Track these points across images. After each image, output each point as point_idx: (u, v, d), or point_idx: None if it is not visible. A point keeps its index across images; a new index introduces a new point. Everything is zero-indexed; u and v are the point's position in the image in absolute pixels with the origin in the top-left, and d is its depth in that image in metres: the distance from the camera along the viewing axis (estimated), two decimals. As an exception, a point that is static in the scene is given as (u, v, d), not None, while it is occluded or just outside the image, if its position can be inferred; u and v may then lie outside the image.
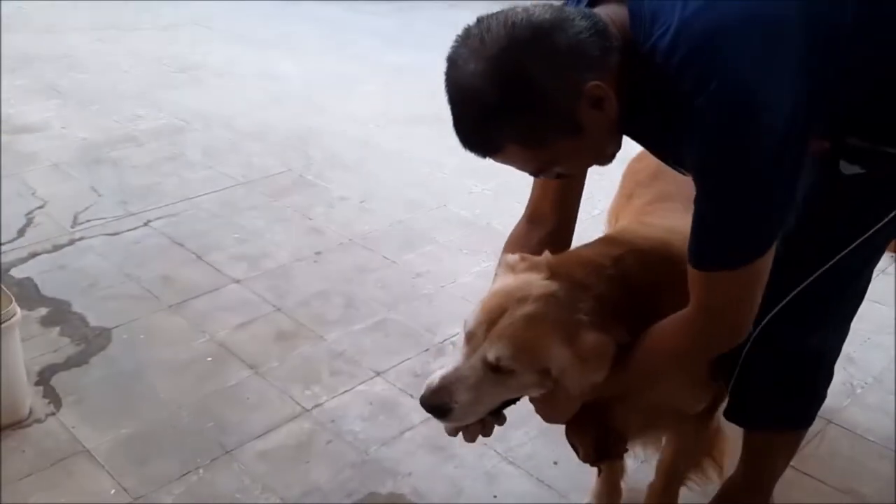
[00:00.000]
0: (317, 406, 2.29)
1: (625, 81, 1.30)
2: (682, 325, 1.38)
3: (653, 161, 1.96)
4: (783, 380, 1.63)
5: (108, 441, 2.15)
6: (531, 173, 1.46)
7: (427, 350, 2.54)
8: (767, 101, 1.19)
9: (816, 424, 2.21)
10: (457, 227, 3.33)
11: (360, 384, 2.38)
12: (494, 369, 1.40)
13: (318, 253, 3.11)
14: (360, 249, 3.16)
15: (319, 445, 2.15)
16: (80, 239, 3.16)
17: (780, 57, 1.21)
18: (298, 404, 2.30)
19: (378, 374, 2.43)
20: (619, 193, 2.16)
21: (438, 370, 1.45)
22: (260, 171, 3.81)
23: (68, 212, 3.36)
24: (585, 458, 1.58)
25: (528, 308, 1.41)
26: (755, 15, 1.22)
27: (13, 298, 2.13)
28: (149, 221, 3.30)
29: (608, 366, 1.41)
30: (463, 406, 1.42)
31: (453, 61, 1.29)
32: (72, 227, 3.24)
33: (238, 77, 5.22)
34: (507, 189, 3.67)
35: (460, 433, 1.52)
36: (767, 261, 1.29)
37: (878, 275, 1.60)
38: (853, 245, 1.43)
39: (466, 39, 1.29)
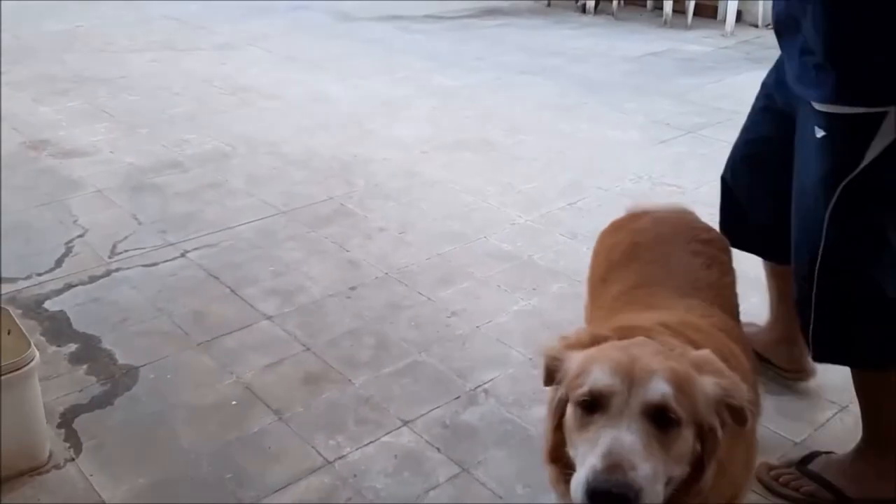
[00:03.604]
0: (339, 458, 2.20)
1: None
2: None
3: (625, 237, 1.87)
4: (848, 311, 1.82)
5: (124, 491, 2.10)
6: None
7: (458, 398, 2.44)
8: None
9: None
10: (497, 262, 3.22)
11: (385, 434, 2.29)
12: (658, 421, 1.18)
13: (352, 288, 3.03)
14: (396, 284, 3.07)
15: (339, 503, 2.06)
16: (117, 270, 3.14)
17: None
18: (321, 455, 2.21)
19: (405, 423, 2.33)
20: (591, 274, 1.98)
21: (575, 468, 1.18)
22: (301, 200, 3.76)
23: (107, 241, 3.35)
24: None
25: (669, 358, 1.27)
26: None
27: (31, 342, 2.10)
28: (186, 252, 3.27)
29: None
30: (649, 480, 1.13)
31: None
32: (109, 257, 3.23)
33: (287, 100, 5.20)
34: (552, 221, 3.55)
35: None
36: None
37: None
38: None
39: None
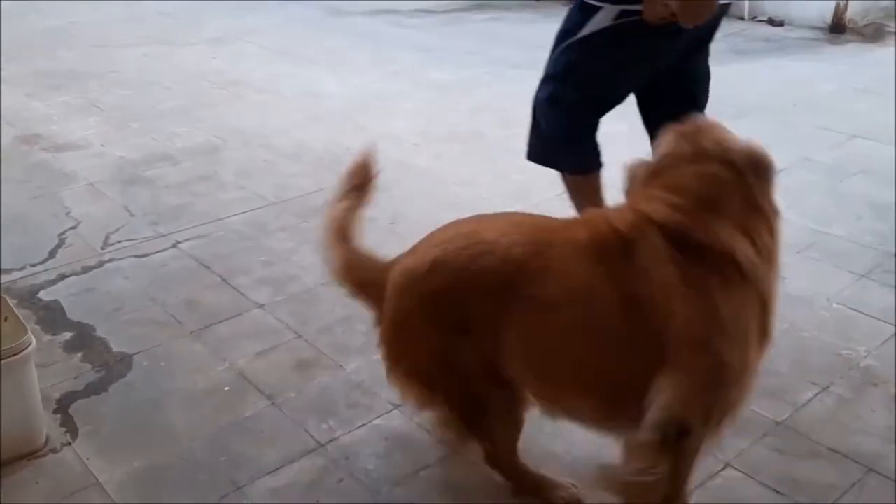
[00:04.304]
0: (331, 441, 2.24)
1: None
2: None
3: None
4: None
5: (120, 474, 2.14)
6: None
7: (447, 382, 2.48)
8: None
9: (854, 473, 2.11)
10: (487, 251, 3.26)
11: (376, 418, 2.33)
12: None
13: (344, 277, 3.07)
14: (388, 274, 3.10)
15: (331, 484, 2.10)
16: (110, 261, 3.17)
17: None
18: (313, 438, 2.25)
19: (396, 406, 2.37)
20: None
21: None
22: (293, 192, 3.80)
23: (100, 232, 3.38)
24: None
25: None
26: None
27: (27, 329, 2.13)
28: (178, 243, 3.30)
29: None
30: None
31: None
32: (102, 248, 3.26)
33: (279, 94, 5.24)
34: (543, 210, 3.55)
35: None
36: None
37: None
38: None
39: None
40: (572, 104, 2.59)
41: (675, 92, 2.64)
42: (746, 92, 5.25)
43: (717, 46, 6.20)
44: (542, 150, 2.74)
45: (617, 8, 2.37)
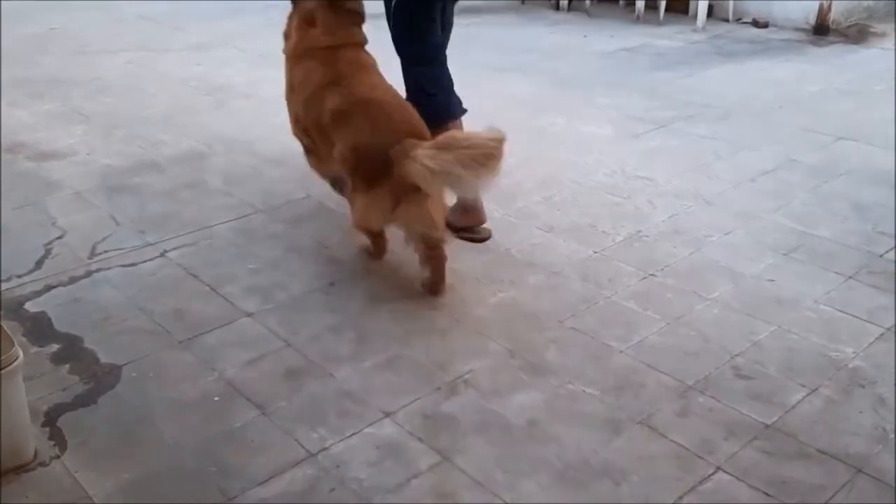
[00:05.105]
0: (322, 450, 2.24)
1: None
2: None
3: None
4: None
5: (109, 486, 2.12)
6: None
7: (438, 389, 2.48)
8: None
9: (844, 474, 2.13)
10: (474, 254, 3.27)
11: (367, 426, 2.33)
12: None
13: (331, 284, 3.06)
14: (376, 278, 3.11)
15: (322, 493, 2.09)
16: (97, 271, 3.15)
17: None
18: (303, 447, 2.25)
19: (387, 414, 2.37)
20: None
21: None
22: (280, 198, 3.79)
23: (87, 242, 3.36)
24: None
25: None
26: None
27: (14, 342, 2.12)
28: (165, 252, 3.29)
29: None
30: None
31: None
32: (89, 258, 3.24)
33: (263, 99, 5.21)
34: (528, 214, 3.60)
35: None
36: None
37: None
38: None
39: None
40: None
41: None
42: (731, 93, 5.28)
43: (701, 48, 6.27)
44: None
45: None
